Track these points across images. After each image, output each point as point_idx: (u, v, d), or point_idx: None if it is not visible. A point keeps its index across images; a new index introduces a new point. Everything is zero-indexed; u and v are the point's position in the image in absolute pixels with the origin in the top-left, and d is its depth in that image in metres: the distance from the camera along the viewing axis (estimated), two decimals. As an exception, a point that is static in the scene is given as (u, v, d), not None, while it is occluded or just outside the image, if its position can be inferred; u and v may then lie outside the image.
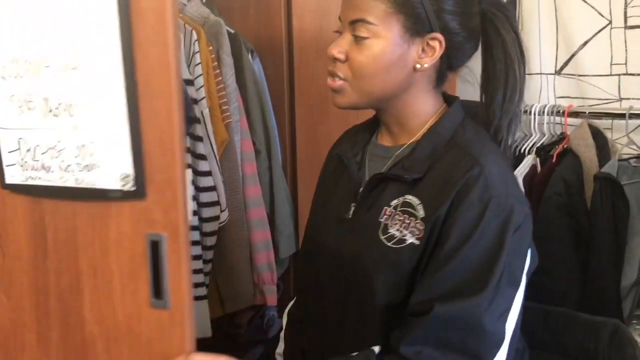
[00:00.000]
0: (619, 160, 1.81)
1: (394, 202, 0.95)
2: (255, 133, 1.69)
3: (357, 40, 0.93)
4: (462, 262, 0.87)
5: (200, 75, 1.55)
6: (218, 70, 1.60)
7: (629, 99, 1.97)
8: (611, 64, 2.02)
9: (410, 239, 0.92)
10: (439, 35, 0.93)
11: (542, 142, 1.95)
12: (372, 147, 1.07)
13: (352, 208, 1.02)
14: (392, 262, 0.93)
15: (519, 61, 0.98)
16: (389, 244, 0.93)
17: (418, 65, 0.94)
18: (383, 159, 1.02)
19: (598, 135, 1.86)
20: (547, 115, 1.96)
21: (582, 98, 2.07)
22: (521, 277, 0.93)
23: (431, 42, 0.93)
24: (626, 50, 1.99)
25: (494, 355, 0.90)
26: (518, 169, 1.90)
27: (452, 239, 0.88)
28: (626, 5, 1.97)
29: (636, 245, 1.74)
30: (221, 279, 1.68)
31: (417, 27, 0.92)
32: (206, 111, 1.55)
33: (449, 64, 0.98)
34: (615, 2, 1.98)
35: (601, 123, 1.94)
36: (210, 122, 1.56)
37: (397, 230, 0.93)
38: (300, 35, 1.66)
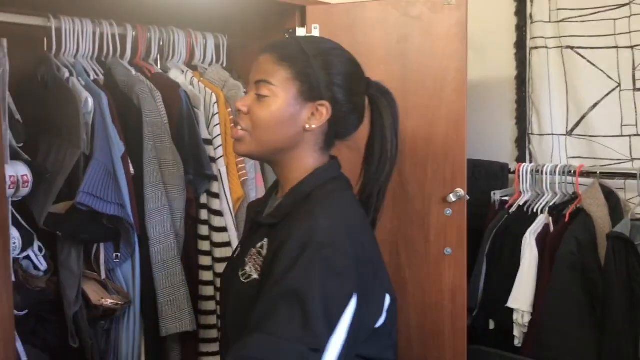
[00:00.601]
0: (632, 220, 1.82)
1: (258, 244, 1.05)
2: (271, 190, 1.73)
3: (259, 98, 1.06)
4: (270, 298, 0.92)
5: (219, 135, 1.61)
6: (236, 131, 1.66)
7: (640, 159, 2.00)
8: (622, 125, 2.05)
9: (254, 275, 1.01)
10: (327, 103, 1.06)
11: (555, 202, 1.97)
12: (272, 199, 1.19)
13: (238, 249, 1.16)
14: (242, 296, 1.02)
15: (392, 142, 1.12)
16: (242, 279, 1.03)
17: (307, 126, 1.07)
18: (270, 209, 1.14)
19: (611, 195, 1.87)
20: (559, 175, 1.99)
21: (594, 158, 2.09)
22: (337, 323, 0.93)
23: (320, 108, 1.06)
24: (636, 112, 2.02)
25: None
26: (531, 227, 1.91)
27: (271, 276, 0.95)
28: (634, 68, 2.02)
29: (652, 306, 1.72)
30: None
31: (310, 93, 1.05)
32: (223, 169, 1.61)
33: (336, 131, 1.10)
34: (624, 66, 2.03)
35: (614, 183, 1.96)
36: (227, 179, 1.61)
37: (250, 267, 1.03)
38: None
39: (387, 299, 1.05)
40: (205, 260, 1.59)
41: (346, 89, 1.07)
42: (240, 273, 1.03)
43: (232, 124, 1.14)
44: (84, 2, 1.52)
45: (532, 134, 2.26)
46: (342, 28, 1.67)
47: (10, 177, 1.25)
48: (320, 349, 0.89)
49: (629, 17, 2.02)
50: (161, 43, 1.69)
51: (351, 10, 1.69)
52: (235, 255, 1.15)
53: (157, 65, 1.70)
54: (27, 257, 1.37)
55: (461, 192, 1.67)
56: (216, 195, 1.59)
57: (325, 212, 1.01)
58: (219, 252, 1.59)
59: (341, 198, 1.08)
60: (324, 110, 1.06)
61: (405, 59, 1.64)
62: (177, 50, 1.72)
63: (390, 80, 1.61)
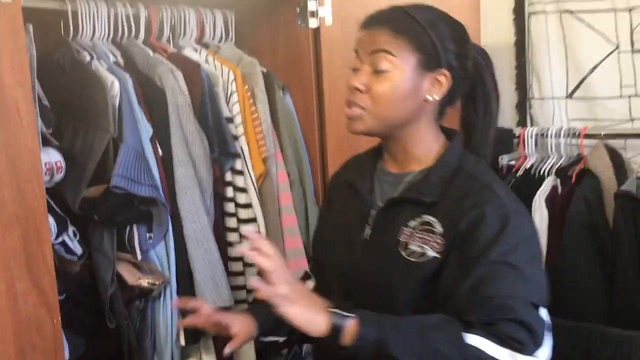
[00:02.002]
0: (637, 178, 1.89)
1: (412, 223, 1.05)
2: (289, 165, 1.75)
3: (377, 73, 1.04)
4: (485, 271, 0.99)
5: (239, 113, 1.62)
6: (254, 108, 1.67)
7: (639, 119, 2.06)
8: (621, 87, 2.11)
9: (431, 253, 1.02)
10: (446, 72, 1.06)
11: (560, 164, 2.03)
12: (379, 173, 1.17)
13: (367, 229, 1.12)
14: (414, 275, 1.03)
15: (495, 100, 1.15)
16: (411, 259, 1.03)
17: (429, 97, 1.07)
18: (393, 184, 1.13)
19: (615, 155, 1.93)
20: (564, 137, 2.04)
21: (595, 120, 2.15)
22: (543, 279, 1.03)
23: (439, 78, 1.06)
24: (634, 73, 2.08)
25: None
26: (540, 190, 1.97)
27: (474, 252, 1.00)
28: (632, 30, 2.06)
29: (657, 259, 1.80)
30: (261, 308, 1.72)
31: (429, 63, 1.05)
32: (245, 147, 1.62)
33: (448, 99, 1.11)
34: (622, 28, 2.07)
35: (615, 143, 2.02)
36: (250, 156, 1.63)
37: (418, 246, 1.03)
38: (329, 70, 1.73)
39: None
40: (232, 237, 1.61)
41: (458, 54, 1.07)
42: (403, 253, 1.04)
43: (347, 105, 1.09)
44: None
45: (532, 98, 2.30)
46: (355, 0, 1.68)
47: (45, 163, 1.26)
48: (542, 305, 1.00)
49: (626, -21, 2.06)
50: (172, 22, 1.68)
51: (363, -18, 1.69)
52: (366, 238, 1.12)
53: (169, 44, 1.69)
54: (62, 242, 1.38)
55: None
56: (240, 173, 1.61)
57: (497, 184, 1.07)
58: (245, 229, 1.62)
59: (486, 165, 1.13)
60: (444, 79, 1.06)
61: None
62: (188, 28, 1.71)
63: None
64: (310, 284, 1.29)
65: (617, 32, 2.09)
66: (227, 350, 1.10)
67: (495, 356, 0.93)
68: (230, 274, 1.61)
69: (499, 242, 0.98)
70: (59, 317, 1.11)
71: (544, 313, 1.02)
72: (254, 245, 0.95)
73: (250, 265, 1.64)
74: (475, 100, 1.14)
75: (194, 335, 1.48)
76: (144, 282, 1.41)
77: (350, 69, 1.11)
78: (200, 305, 1.16)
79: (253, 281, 0.93)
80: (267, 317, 1.17)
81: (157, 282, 1.42)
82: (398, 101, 1.04)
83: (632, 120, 2.09)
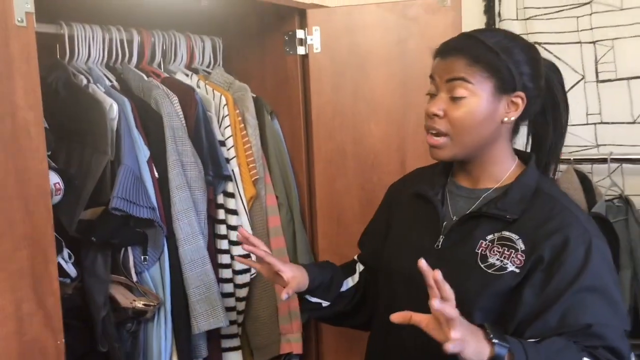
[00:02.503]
0: (605, 200, 1.99)
1: (490, 237, 1.11)
2: (277, 188, 1.79)
3: (454, 100, 1.10)
4: (574, 297, 1.03)
5: (230, 136, 1.65)
6: (244, 132, 1.70)
7: (605, 145, 2.17)
8: (587, 114, 2.22)
9: (511, 267, 1.07)
10: (522, 94, 1.11)
11: (533, 187, 2.12)
12: (451, 187, 1.23)
13: (441, 239, 1.16)
14: (492, 287, 1.08)
15: (565, 113, 1.21)
16: (489, 271, 1.08)
17: (505, 119, 1.12)
18: (467, 199, 1.18)
19: (585, 180, 2.03)
20: (535, 162, 2.13)
21: (564, 146, 2.26)
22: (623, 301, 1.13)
23: (515, 100, 1.12)
24: (599, 101, 2.20)
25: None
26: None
27: (562, 276, 1.04)
28: (596, 61, 2.19)
29: (625, 278, 1.89)
30: (250, 330, 1.74)
31: (504, 87, 1.10)
32: (236, 169, 1.65)
33: (523, 117, 1.17)
34: (587, 59, 2.20)
35: (583, 168, 2.13)
36: (241, 179, 1.65)
37: (498, 259, 1.08)
38: (316, 96, 1.77)
39: None
40: (224, 259, 1.63)
41: (532, 76, 1.12)
42: (482, 265, 1.09)
43: (426, 130, 1.14)
44: (77, 6, 1.51)
45: (504, 124, 2.40)
46: (343, 30, 1.75)
47: (45, 185, 1.26)
48: (628, 329, 1.04)
49: (590, 14, 2.19)
50: (164, 47, 1.71)
51: (351, 12, 1.76)
52: (438, 247, 1.17)
53: (160, 69, 1.72)
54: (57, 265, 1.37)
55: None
56: (231, 195, 1.64)
57: (576, 208, 1.12)
58: (236, 250, 1.64)
59: (560, 189, 1.19)
60: (519, 101, 1.11)
61: (405, 59, 1.73)
62: (178, 53, 1.74)
63: (391, 81, 1.73)
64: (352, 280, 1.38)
65: (583, 63, 2.21)
66: (284, 295, 1.15)
67: None
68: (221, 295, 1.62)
69: (586, 269, 1.03)
70: (63, 339, 1.11)
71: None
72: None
73: (241, 286, 1.66)
74: (546, 114, 1.20)
75: (188, 356, 1.48)
76: (139, 303, 1.41)
77: (426, 95, 1.16)
78: (259, 244, 1.21)
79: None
80: (319, 276, 1.25)
81: (152, 304, 1.43)
82: (478, 125, 1.09)
83: (597, 146, 2.21)
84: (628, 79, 2.12)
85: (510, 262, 1.07)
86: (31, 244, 1.04)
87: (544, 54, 2.17)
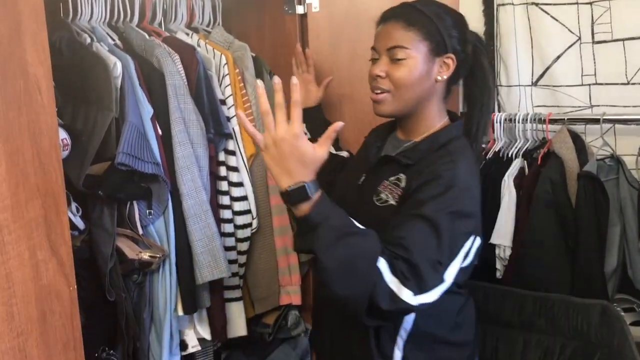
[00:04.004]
0: (596, 160, 2.04)
1: (392, 178, 1.27)
2: (277, 146, 1.83)
3: (394, 61, 1.25)
4: (412, 216, 1.16)
5: (230, 95, 1.69)
6: (244, 91, 1.74)
7: (599, 105, 2.21)
8: (582, 75, 2.25)
9: (391, 201, 1.25)
10: (452, 56, 1.26)
11: (527, 147, 2.17)
12: (391, 138, 1.42)
13: (363, 177, 1.36)
14: (376, 217, 1.24)
15: (493, 82, 1.39)
16: (377, 203, 1.26)
17: (439, 77, 1.27)
18: (395, 148, 1.35)
19: (577, 139, 2.08)
20: (530, 122, 2.18)
21: (557, 106, 2.30)
22: (457, 253, 1.17)
23: (446, 61, 1.27)
24: (595, 63, 2.23)
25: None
26: (508, 171, 2.10)
27: (414, 200, 1.19)
28: (593, 22, 2.21)
29: (614, 235, 1.96)
30: (251, 282, 1.81)
31: (437, 49, 1.25)
32: (237, 128, 1.70)
33: (454, 79, 1.32)
34: (583, 20, 2.22)
35: (576, 128, 2.17)
36: (241, 137, 1.70)
37: (385, 195, 1.26)
38: (315, 55, 1.81)
39: (479, 241, 1.26)
40: (225, 214, 1.69)
41: (460, 39, 1.27)
42: (374, 198, 1.26)
43: (372, 90, 1.30)
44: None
45: (500, 85, 2.43)
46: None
47: (53, 141, 1.30)
48: (444, 265, 1.12)
49: (588, -25, 2.19)
50: (165, 6, 1.73)
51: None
52: (359, 183, 1.35)
53: (161, 28, 1.74)
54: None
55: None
56: (232, 153, 1.69)
57: (464, 164, 1.22)
58: (238, 206, 1.70)
59: (471, 153, 1.28)
60: (450, 62, 1.26)
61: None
62: (179, 12, 1.77)
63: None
64: None
65: (579, 24, 2.23)
66: None
67: (387, 280, 1.09)
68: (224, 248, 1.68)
69: (432, 201, 1.15)
70: (75, 285, 1.17)
71: (449, 273, 1.16)
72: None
73: (242, 240, 1.72)
74: (475, 78, 1.34)
75: (192, 305, 1.55)
76: (145, 255, 1.47)
77: (369, 61, 1.32)
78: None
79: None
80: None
81: (157, 255, 1.49)
82: (414, 82, 1.24)
83: (591, 107, 2.24)
84: (623, 40, 2.14)
85: (392, 196, 1.25)
86: (44, 194, 1.09)
87: (541, 14, 2.26)
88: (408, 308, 1.10)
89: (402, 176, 1.25)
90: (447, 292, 1.16)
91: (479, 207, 1.24)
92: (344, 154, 1.76)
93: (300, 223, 1.11)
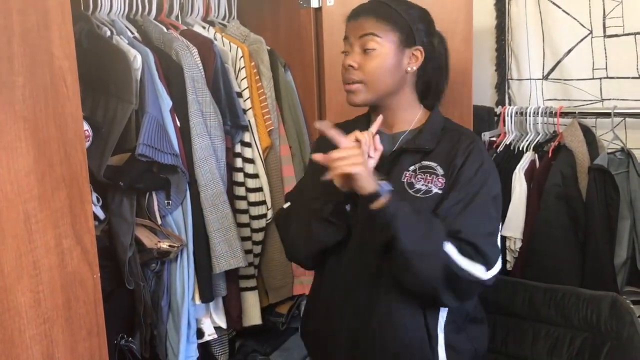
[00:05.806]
0: (607, 153, 2.05)
1: (412, 167, 1.30)
2: (291, 138, 1.86)
3: (366, 52, 1.28)
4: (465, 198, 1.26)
5: (247, 88, 1.71)
6: (260, 84, 1.76)
7: (609, 99, 2.22)
8: (593, 69, 2.26)
9: (435, 190, 1.27)
10: (420, 48, 1.31)
11: (538, 140, 2.18)
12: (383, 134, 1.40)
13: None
14: (421, 208, 1.26)
15: (447, 70, 1.41)
16: (417, 195, 1.27)
17: (409, 68, 1.31)
18: (389, 143, 1.35)
19: (587, 132, 2.09)
20: (541, 115, 2.19)
21: (568, 100, 2.31)
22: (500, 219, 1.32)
23: (415, 52, 1.31)
24: (606, 56, 2.24)
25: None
26: (519, 164, 2.12)
27: (458, 184, 1.27)
28: (604, 16, 2.22)
29: (624, 228, 1.97)
30: (265, 272, 1.84)
31: (407, 41, 1.30)
32: (252, 120, 1.72)
33: (423, 72, 1.36)
34: (595, 14, 2.23)
35: (587, 122, 2.18)
36: (257, 129, 1.72)
37: (423, 185, 1.28)
38: (329, 48, 1.81)
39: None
40: (241, 205, 1.72)
41: (427, 32, 1.32)
42: (410, 191, 1.28)
43: (344, 82, 1.32)
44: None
45: (511, 79, 2.45)
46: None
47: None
48: (495, 235, 1.28)
49: (600, -31, 2.20)
50: (181, 0, 1.76)
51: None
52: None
53: (178, 21, 1.77)
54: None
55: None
56: (248, 145, 1.71)
57: (475, 137, 1.34)
58: (253, 197, 1.72)
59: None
60: (419, 54, 1.31)
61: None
62: (195, 6, 1.79)
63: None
64: None
65: (591, 18, 2.24)
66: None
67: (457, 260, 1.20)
68: (239, 238, 1.71)
69: (472, 182, 1.25)
70: (98, 273, 1.20)
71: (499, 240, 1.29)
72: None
73: (257, 230, 1.75)
74: (430, 69, 1.37)
75: (209, 294, 1.59)
76: (164, 244, 1.51)
77: (342, 53, 1.33)
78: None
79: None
80: None
81: (175, 245, 1.52)
82: (386, 73, 1.28)
83: (602, 100, 2.25)
84: (635, 34, 2.15)
85: (434, 185, 1.27)
86: (69, 184, 1.12)
87: (552, 8, 2.27)
88: (483, 283, 1.22)
89: (432, 164, 1.29)
90: None
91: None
92: None
93: (375, 216, 1.18)
